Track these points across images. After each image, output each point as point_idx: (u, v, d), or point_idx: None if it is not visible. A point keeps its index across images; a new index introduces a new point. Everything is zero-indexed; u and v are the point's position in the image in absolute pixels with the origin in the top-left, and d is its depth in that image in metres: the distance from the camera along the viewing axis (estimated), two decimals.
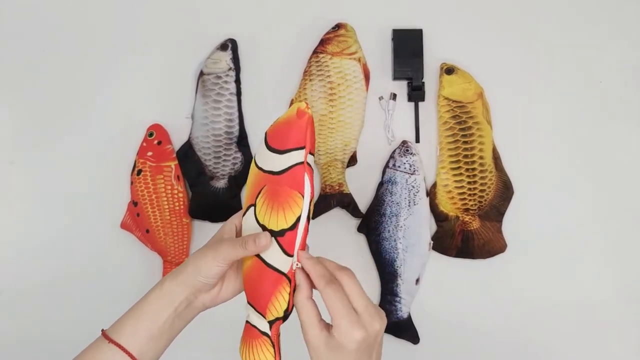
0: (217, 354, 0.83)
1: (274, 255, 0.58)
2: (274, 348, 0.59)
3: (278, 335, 0.59)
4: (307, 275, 0.57)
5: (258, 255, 0.59)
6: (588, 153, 0.90)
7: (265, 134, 0.60)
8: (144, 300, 0.61)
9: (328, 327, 0.56)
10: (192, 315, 0.62)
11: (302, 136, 0.57)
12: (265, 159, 0.59)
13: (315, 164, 0.88)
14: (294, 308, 0.58)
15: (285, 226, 0.57)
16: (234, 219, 0.64)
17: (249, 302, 0.61)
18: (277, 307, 0.58)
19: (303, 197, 0.57)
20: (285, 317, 0.58)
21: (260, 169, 0.60)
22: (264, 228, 0.59)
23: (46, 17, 0.92)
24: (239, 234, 0.63)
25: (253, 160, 0.61)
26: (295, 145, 0.57)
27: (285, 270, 0.58)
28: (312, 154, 0.58)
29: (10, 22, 0.92)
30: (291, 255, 0.58)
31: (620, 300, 0.88)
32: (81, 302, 0.88)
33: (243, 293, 0.62)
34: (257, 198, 0.60)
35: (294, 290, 0.58)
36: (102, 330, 0.61)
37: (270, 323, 0.59)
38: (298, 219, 0.57)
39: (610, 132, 0.90)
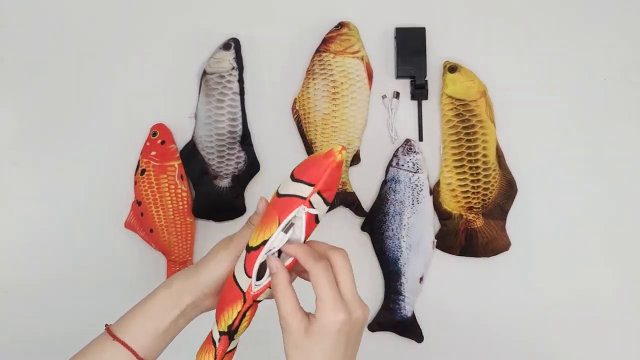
0: None
1: (239, 270, 0.58)
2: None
3: (223, 352, 0.59)
4: (283, 264, 0.56)
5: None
6: (592, 151, 0.90)
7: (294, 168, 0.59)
8: (150, 300, 0.61)
9: (307, 314, 0.55)
10: (196, 315, 0.63)
11: (318, 175, 0.54)
12: (282, 183, 0.58)
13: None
14: (244, 322, 0.58)
15: (252, 244, 0.57)
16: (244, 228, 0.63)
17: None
18: (225, 320, 0.58)
19: (279, 224, 0.55)
20: (229, 333, 0.58)
21: (276, 192, 0.58)
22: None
23: (49, 17, 0.92)
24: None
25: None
26: (308, 180, 0.55)
27: (245, 288, 0.57)
28: (325, 200, 0.55)
29: (13, 22, 0.92)
30: (249, 276, 0.57)
31: (625, 298, 0.88)
32: (85, 302, 0.88)
33: None
34: None
35: (245, 310, 0.58)
36: (106, 326, 0.60)
37: (220, 334, 0.59)
38: (263, 243, 0.56)
39: (614, 129, 0.90)
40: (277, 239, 0.55)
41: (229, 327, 0.58)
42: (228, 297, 0.59)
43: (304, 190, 0.55)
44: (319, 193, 0.55)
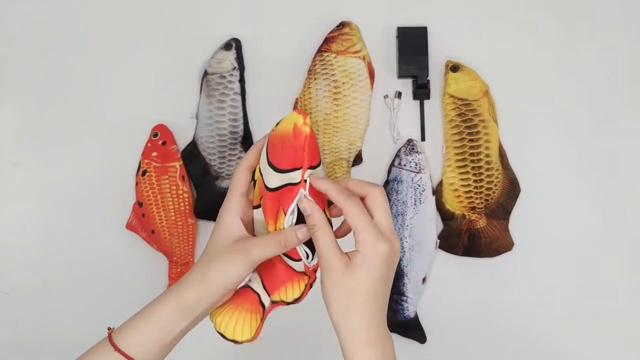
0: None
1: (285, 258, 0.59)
2: (259, 325, 0.58)
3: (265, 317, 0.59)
4: (315, 204, 0.55)
5: None
6: (595, 150, 0.89)
7: (267, 141, 0.58)
8: (158, 309, 0.57)
9: (345, 253, 0.55)
10: (204, 317, 0.60)
11: (299, 157, 0.54)
12: (265, 170, 0.57)
13: (321, 164, 0.88)
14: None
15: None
16: (235, 213, 0.59)
17: (258, 273, 0.60)
18: (289, 294, 0.58)
19: (285, 214, 0.56)
20: (289, 303, 0.58)
21: (260, 174, 0.58)
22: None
23: (50, 17, 0.92)
24: (248, 225, 0.61)
25: (260, 159, 0.59)
26: (292, 166, 0.55)
27: (302, 269, 0.58)
28: (315, 166, 0.56)
29: (13, 22, 0.92)
30: (299, 259, 0.57)
31: (629, 298, 0.87)
32: (87, 304, 0.88)
33: None
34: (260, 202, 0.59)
35: (311, 284, 0.58)
36: (109, 333, 0.58)
37: (273, 302, 0.59)
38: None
39: (617, 128, 0.89)
40: (287, 220, 0.56)
41: (295, 299, 0.58)
42: (281, 271, 0.58)
43: (293, 176, 0.55)
44: (308, 168, 0.55)
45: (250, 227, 0.61)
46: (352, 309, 0.53)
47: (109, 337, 0.57)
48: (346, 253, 0.55)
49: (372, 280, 0.53)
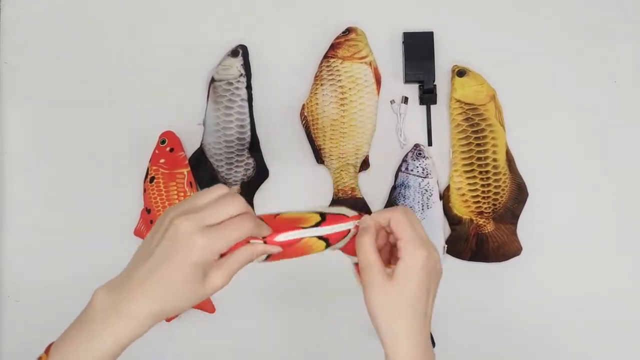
0: None
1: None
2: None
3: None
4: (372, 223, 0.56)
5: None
6: (603, 154, 0.89)
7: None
8: (101, 331, 0.50)
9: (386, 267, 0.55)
10: None
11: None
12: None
13: (328, 169, 0.88)
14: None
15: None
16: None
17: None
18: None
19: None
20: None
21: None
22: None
23: (59, 25, 0.93)
24: None
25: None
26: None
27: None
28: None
29: (23, 32, 0.93)
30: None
31: (639, 301, 0.87)
32: None
33: None
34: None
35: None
36: (46, 351, 0.52)
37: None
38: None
39: (625, 131, 0.89)
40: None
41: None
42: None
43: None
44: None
45: None
46: (398, 319, 0.54)
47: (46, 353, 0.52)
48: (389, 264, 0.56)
49: (416, 288, 0.54)
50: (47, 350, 0.52)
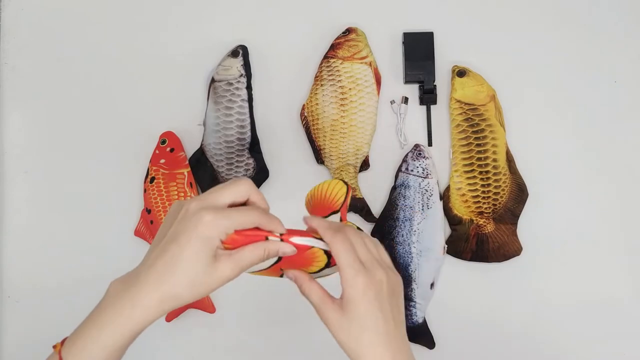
0: None
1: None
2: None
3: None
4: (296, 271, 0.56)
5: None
6: (603, 154, 0.89)
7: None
8: (112, 320, 0.51)
9: (336, 299, 0.54)
10: None
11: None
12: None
13: (328, 169, 0.88)
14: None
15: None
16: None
17: None
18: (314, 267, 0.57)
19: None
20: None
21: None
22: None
23: (59, 25, 0.93)
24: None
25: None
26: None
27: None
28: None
29: (23, 32, 0.93)
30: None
31: (639, 302, 0.87)
32: None
33: None
34: None
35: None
36: (59, 346, 0.52)
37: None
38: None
39: (624, 131, 0.89)
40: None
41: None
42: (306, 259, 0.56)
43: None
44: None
45: None
46: (361, 346, 0.53)
47: (59, 352, 0.52)
48: (334, 298, 0.55)
49: (366, 314, 0.53)
50: (63, 342, 0.53)
